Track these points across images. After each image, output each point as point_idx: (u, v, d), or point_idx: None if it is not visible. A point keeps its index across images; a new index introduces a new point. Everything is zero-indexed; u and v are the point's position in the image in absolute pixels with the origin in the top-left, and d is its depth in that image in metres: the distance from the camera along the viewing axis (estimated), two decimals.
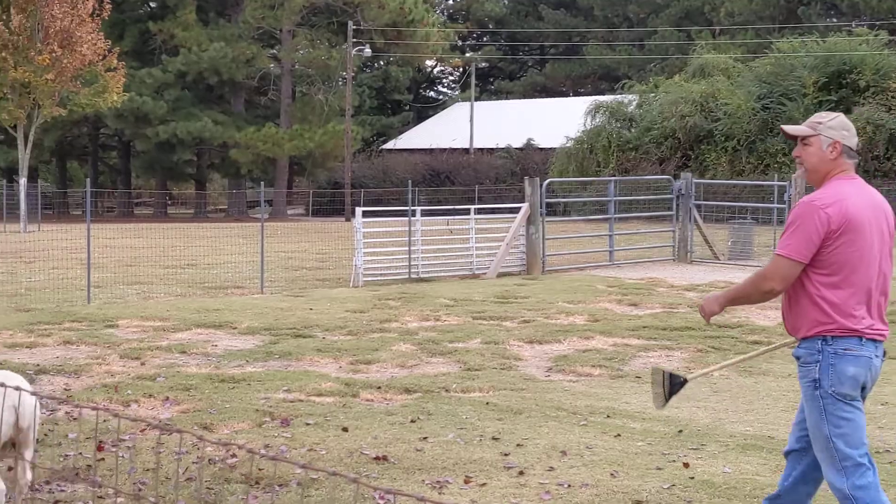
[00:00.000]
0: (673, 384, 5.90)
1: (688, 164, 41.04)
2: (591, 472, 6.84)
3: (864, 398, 5.11)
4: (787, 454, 5.41)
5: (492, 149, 58.19)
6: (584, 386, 9.83)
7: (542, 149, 54.61)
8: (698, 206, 23.29)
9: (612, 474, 6.77)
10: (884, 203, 5.23)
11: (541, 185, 20.97)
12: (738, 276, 19.65)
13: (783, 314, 5.26)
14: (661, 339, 12.41)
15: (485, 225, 22.82)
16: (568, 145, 46.66)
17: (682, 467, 6.96)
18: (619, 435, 7.81)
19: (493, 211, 25.98)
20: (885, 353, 5.17)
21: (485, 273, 20.33)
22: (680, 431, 7.97)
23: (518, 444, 7.51)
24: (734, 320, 13.99)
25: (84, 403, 5.27)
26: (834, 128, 5.17)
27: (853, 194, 5.10)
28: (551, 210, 24.62)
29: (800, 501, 5.35)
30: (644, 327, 13.22)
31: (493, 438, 7.69)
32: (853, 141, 5.21)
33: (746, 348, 11.90)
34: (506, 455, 7.23)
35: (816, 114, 5.42)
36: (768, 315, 14.70)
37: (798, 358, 5.13)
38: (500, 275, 20.20)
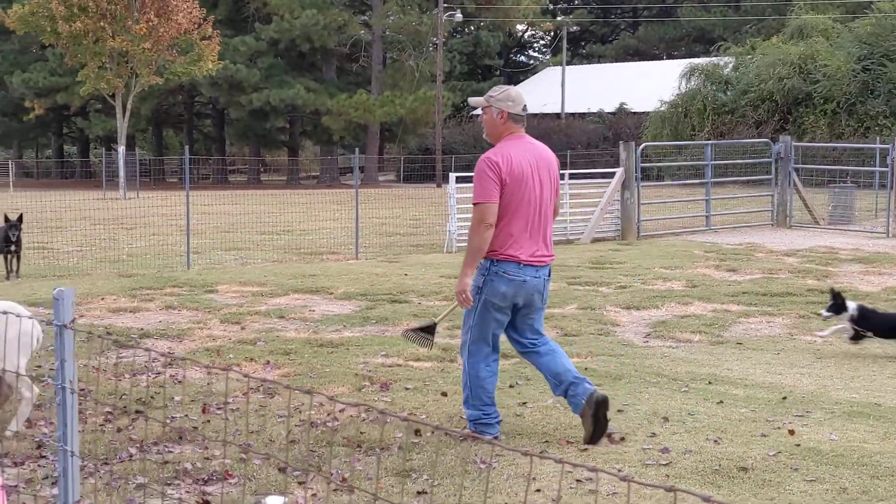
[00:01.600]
0: (427, 328, 7.44)
1: (785, 127, 40.29)
2: (693, 438, 6.76)
3: (534, 309, 6.77)
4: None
5: (583, 113, 57.77)
6: (683, 352, 9.72)
7: (634, 113, 54.07)
8: (797, 170, 22.82)
9: (715, 441, 6.69)
10: (548, 154, 6.78)
11: (636, 150, 20.74)
12: (839, 241, 19.26)
13: None
14: (761, 305, 12.22)
15: (578, 190, 22.65)
16: (662, 109, 46.11)
17: (787, 434, 6.84)
18: (721, 402, 7.70)
19: (586, 176, 25.80)
20: (549, 273, 6.79)
21: (579, 238, 20.21)
22: (784, 398, 7.84)
23: (618, 410, 7.45)
24: (837, 286, 13.72)
25: (213, 365, 5.34)
26: (501, 100, 6.67)
27: (517, 149, 6.59)
28: (645, 175, 24.35)
29: (565, 369, 6.87)
30: (744, 293, 13.03)
31: None
32: (517, 108, 6.67)
33: None
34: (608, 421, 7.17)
35: (492, 87, 6.94)
36: (871, 280, 14.40)
37: (479, 266, 6.63)
38: (595, 240, 20.07)
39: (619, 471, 6.17)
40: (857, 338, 9.59)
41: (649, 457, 6.39)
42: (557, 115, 59.11)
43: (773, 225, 22.52)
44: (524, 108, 6.75)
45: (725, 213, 23.73)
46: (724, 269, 15.51)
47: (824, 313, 9.73)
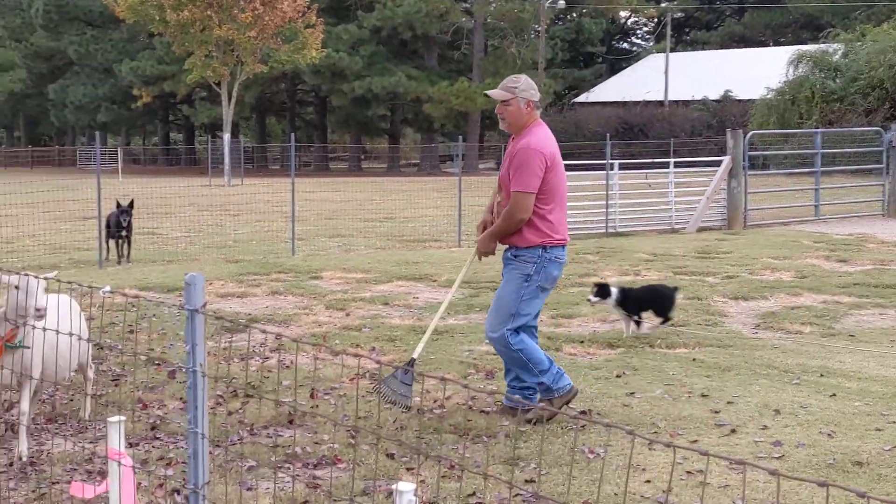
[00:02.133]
0: (405, 376, 6.82)
1: (895, 115, 39.30)
2: (806, 431, 6.63)
3: None
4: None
5: (687, 101, 57.02)
6: (794, 344, 9.53)
7: (740, 101, 53.21)
8: None
9: (828, 435, 6.55)
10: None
11: (743, 138, 20.41)
12: None
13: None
14: (873, 297, 11.94)
15: (683, 179, 22.38)
16: (768, 97, 45.28)
17: None
18: (834, 394, 7.54)
19: (690, 164, 25.49)
20: None
21: (684, 227, 19.97)
22: None
23: (728, 402, 7.34)
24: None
25: (344, 349, 5.39)
26: (525, 90, 6.90)
27: (548, 136, 6.92)
28: (751, 163, 23.95)
29: None
30: (855, 284, 12.74)
31: (702, 395, 7.54)
32: (538, 96, 6.98)
33: None
34: (716, 412, 7.08)
35: (508, 78, 7.04)
36: None
37: (516, 256, 6.88)
38: (700, 229, 19.80)
39: (731, 464, 6.07)
40: (639, 321, 9.73)
41: (761, 450, 6.28)
42: (660, 103, 58.45)
43: (884, 215, 21.99)
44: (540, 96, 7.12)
45: (835, 202, 23.23)
46: (835, 260, 15.19)
47: (592, 298, 9.75)
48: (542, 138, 6.85)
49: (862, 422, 6.86)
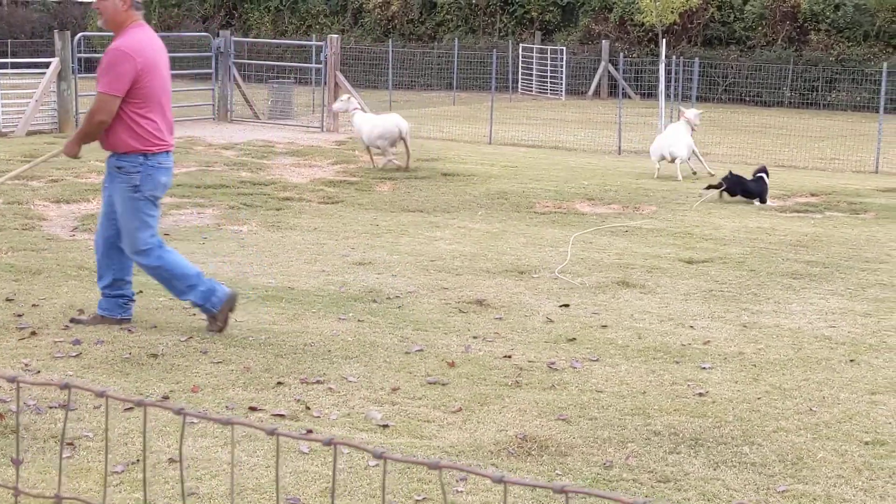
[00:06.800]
0: None
1: (231, 22, 40.67)
2: (107, 328, 6.76)
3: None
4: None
5: (27, 2, 54.66)
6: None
7: (81, 3, 52.01)
8: (239, 66, 23.14)
9: (129, 331, 6.74)
10: (163, 46, 6.81)
11: (72, 40, 19.98)
12: (277, 135, 19.93)
13: (100, 138, 6.57)
14: (194, 197, 12.38)
15: (13, 81, 21.48)
16: None
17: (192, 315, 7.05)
18: (141, 291, 7.76)
19: (24, 66, 24.55)
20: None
21: (13, 131, 19.22)
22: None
23: (34, 305, 7.28)
24: (268, 178, 14.21)
25: None
26: None
27: (144, 39, 6.58)
28: (88, 66, 23.56)
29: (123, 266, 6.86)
30: (177, 185, 13.09)
31: (8, 300, 7.40)
32: None
33: (278, 204, 12.19)
34: (19, 316, 6.99)
35: None
36: (301, 172, 15.08)
37: (119, 167, 6.55)
38: (30, 133, 19.18)
39: (27, 366, 6.04)
40: None
41: (60, 349, 6.32)
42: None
43: (214, 119, 22.75)
44: None
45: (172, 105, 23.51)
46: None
47: None
48: (137, 41, 6.54)
49: (164, 316, 7.14)
